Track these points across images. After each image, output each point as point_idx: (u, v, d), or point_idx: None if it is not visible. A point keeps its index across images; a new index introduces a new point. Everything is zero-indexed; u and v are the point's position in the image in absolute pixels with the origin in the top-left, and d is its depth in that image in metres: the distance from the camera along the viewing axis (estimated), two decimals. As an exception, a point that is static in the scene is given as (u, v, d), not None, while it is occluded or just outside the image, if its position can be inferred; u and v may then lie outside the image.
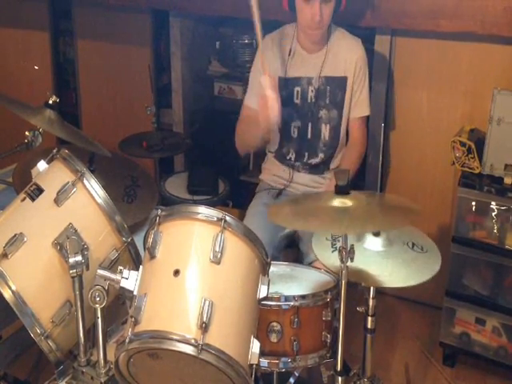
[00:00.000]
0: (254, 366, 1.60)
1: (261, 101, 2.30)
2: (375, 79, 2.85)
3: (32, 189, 1.76)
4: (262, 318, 1.78)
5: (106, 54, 3.65)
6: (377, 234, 1.93)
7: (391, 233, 1.95)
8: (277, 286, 1.96)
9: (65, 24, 3.84)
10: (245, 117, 2.60)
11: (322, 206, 1.79)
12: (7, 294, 1.64)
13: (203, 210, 1.63)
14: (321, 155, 2.61)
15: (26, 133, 2.21)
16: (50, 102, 2.10)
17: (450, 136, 2.65)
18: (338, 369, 1.82)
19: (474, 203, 2.55)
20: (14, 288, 1.65)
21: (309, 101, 2.55)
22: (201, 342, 1.46)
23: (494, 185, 2.53)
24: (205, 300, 1.51)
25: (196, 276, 1.57)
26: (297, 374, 2.15)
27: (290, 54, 2.52)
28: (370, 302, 1.91)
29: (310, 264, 2.25)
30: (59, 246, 1.64)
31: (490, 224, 2.54)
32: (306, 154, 2.61)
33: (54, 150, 1.82)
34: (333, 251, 1.95)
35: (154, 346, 1.50)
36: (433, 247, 1.97)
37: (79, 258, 1.61)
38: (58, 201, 1.70)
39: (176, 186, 3.07)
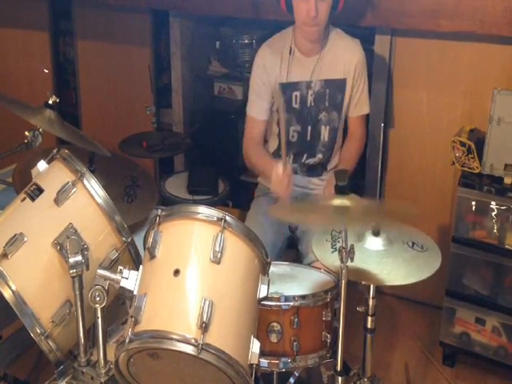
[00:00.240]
0: (254, 365, 1.60)
1: (275, 178, 2.32)
2: (375, 79, 2.85)
3: (32, 189, 1.76)
4: (262, 318, 1.78)
5: (106, 54, 3.65)
6: (377, 234, 1.93)
7: (391, 233, 1.95)
8: (277, 286, 1.96)
9: (65, 24, 3.84)
10: (251, 129, 2.62)
11: (322, 204, 1.80)
12: (7, 294, 1.65)
13: (203, 210, 1.63)
14: (319, 156, 2.61)
15: (26, 133, 2.22)
16: (50, 102, 2.10)
17: (450, 136, 2.64)
18: (338, 369, 1.82)
19: (473, 203, 2.55)
20: (14, 288, 1.65)
21: (308, 105, 2.54)
22: (201, 342, 1.46)
23: (493, 185, 2.53)
24: (205, 300, 1.51)
25: (196, 276, 1.57)
26: (297, 374, 2.15)
27: (288, 59, 2.51)
28: (370, 302, 1.91)
29: (309, 265, 2.25)
30: (59, 245, 1.64)
31: (489, 224, 2.54)
32: (305, 155, 2.60)
33: (54, 150, 1.82)
34: (332, 251, 1.95)
35: (154, 346, 1.50)
36: (433, 246, 1.97)
37: (79, 257, 1.62)
38: (58, 201, 1.70)
39: (176, 186, 3.07)
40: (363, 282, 1.86)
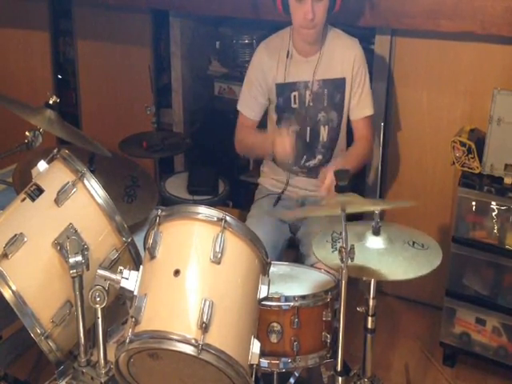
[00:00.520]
0: (254, 366, 1.60)
1: (277, 139, 2.34)
2: (375, 79, 2.85)
3: (32, 189, 1.76)
4: (262, 318, 1.78)
5: (106, 53, 3.65)
6: (377, 233, 1.93)
7: (392, 232, 1.95)
8: (277, 286, 1.96)
9: (65, 24, 3.84)
10: (242, 124, 2.62)
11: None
12: (7, 294, 1.65)
13: (203, 210, 1.63)
14: (319, 157, 2.60)
15: (26, 133, 2.21)
16: (50, 102, 2.10)
17: (450, 136, 2.64)
18: (338, 369, 1.82)
19: (474, 203, 2.55)
20: (14, 288, 1.65)
21: (306, 105, 2.53)
22: (201, 342, 1.46)
23: (494, 185, 2.53)
24: (205, 300, 1.51)
25: (196, 276, 1.57)
26: (297, 375, 2.15)
27: (285, 60, 2.50)
28: (370, 302, 1.91)
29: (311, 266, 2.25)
30: (59, 246, 1.64)
31: (489, 224, 2.54)
32: (304, 156, 2.60)
33: (54, 150, 1.82)
34: (333, 251, 1.95)
35: (154, 346, 1.50)
36: (433, 244, 1.96)
37: (79, 258, 1.62)
38: (58, 201, 1.70)
39: (176, 186, 3.07)
40: (364, 278, 1.85)
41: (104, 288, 1.60)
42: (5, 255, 1.66)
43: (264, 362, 1.88)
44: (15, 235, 1.67)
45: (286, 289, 1.97)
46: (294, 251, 2.53)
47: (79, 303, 1.65)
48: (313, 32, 2.40)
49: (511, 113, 2.45)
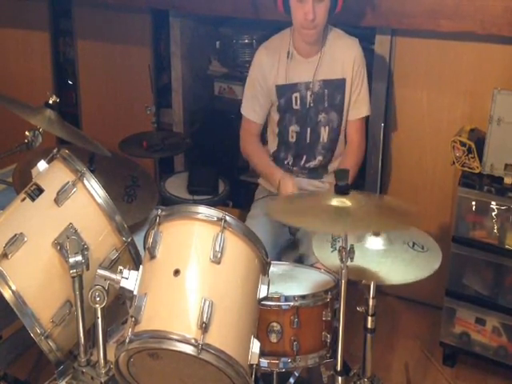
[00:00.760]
0: (254, 366, 1.60)
1: (283, 183, 2.43)
2: (375, 79, 2.85)
3: (32, 189, 1.76)
4: (262, 318, 1.78)
5: (106, 54, 3.65)
6: (377, 234, 1.93)
7: (391, 233, 1.95)
8: (277, 286, 1.96)
9: (65, 24, 3.84)
10: (246, 130, 2.64)
11: (321, 204, 1.79)
12: (7, 294, 1.65)
13: (203, 210, 1.63)
14: (319, 158, 2.60)
15: (26, 133, 2.21)
16: (50, 102, 2.10)
17: (450, 136, 2.64)
18: (338, 369, 1.83)
19: (473, 203, 2.55)
20: (14, 288, 1.65)
21: (307, 106, 2.53)
22: (201, 342, 1.46)
23: (494, 185, 2.53)
24: (205, 300, 1.51)
25: (196, 276, 1.57)
26: (297, 374, 2.15)
27: (286, 61, 2.50)
28: (370, 302, 1.90)
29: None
30: (59, 245, 1.64)
31: (489, 224, 2.54)
32: (304, 157, 2.60)
33: (54, 150, 1.82)
34: (332, 251, 1.95)
35: (154, 346, 1.50)
36: (434, 246, 1.97)
37: (79, 257, 1.62)
38: (58, 201, 1.70)
39: (176, 186, 3.07)
40: (363, 281, 1.86)
41: (104, 288, 1.60)
42: (5, 255, 1.66)
43: (264, 362, 1.88)
44: (15, 235, 1.67)
45: (285, 289, 1.97)
46: (294, 252, 2.53)
47: (79, 303, 1.65)
48: (313, 32, 2.40)
49: (511, 113, 2.45)
